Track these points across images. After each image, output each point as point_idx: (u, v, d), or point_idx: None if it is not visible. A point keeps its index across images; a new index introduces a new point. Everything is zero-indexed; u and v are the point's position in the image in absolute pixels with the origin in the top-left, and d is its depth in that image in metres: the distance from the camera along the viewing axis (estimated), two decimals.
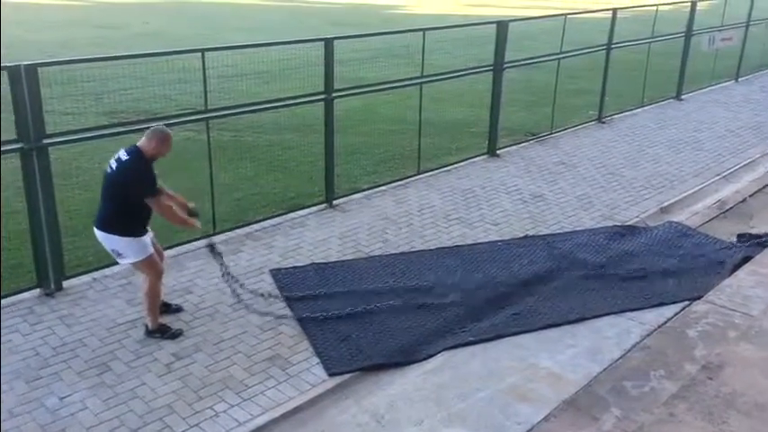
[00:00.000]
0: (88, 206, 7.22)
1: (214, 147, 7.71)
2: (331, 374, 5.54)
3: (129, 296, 6.46)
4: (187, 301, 6.45)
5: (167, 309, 6.21)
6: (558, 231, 8.20)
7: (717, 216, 9.02)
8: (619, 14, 12.74)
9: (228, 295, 6.56)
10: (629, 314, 6.51)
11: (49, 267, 6.48)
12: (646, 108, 14.20)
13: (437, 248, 7.65)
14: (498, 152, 10.95)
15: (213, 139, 7.70)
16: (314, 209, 8.61)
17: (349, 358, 5.73)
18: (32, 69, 5.98)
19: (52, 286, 6.52)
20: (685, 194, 9.53)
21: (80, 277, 6.76)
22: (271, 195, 9.08)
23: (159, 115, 9.06)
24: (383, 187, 9.39)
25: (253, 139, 11.29)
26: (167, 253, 6.97)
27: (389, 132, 11.83)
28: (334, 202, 8.76)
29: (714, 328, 6.06)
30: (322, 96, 8.32)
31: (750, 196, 9.70)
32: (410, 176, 9.76)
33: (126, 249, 5.65)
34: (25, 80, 5.95)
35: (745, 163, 10.93)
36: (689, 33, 14.81)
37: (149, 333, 5.89)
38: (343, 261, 7.31)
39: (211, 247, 6.30)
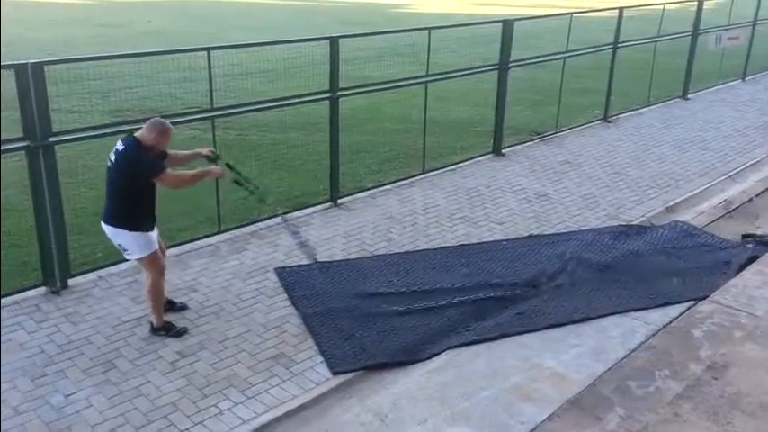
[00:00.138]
0: (94, 204, 7.24)
1: (219, 145, 7.70)
2: (335, 373, 5.54)
3: (135, 294, 6.48)
4: (192, 300, 6.47)
5: (172, 307, 6.23)
6: (563, 231, 8.19)
7: (723, 216, 9.00)
8: (625, 13, 12.70)
9: (233, 294, 6.59)
10: (633, 314, 6.49)
11: (55, 265, 6.50)
12: (652, 107, 14.16)
13: (441, 248, 7.65)
14: (503, 151, 10.94)
15: (218, 137, 7.72)
16: (319, 207, 8.61)
17: (353, 357, 5.73)
18: (39, 67, 6.00)
19: (58, 284, 6.54)
20: (691, 194, 9.51)
21: (86, 275, 6.78)
22: (276, 194, 9.08)
23: (165, 114, 9.07)
24: (388, 186, 9.39)
25: (258, 138, 11.31)
26: (171, 251, 7.00)
27: (394, 131, 11.83)
28: (339, 200, 8.77)
29: (719, 328, 6.05)
30: (327, 95, 8.32)
31: (756, 196, 9.67)
32: (415, 175, 9.76)
33: (132, 245, 5.66)
34: (32, 78, 5.97)
35: (751, 163, 10.89)
36: (695, 32, 14.76)
37: (154, 331, 5.91)
38: (347, 260, 7.31)
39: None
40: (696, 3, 14.73)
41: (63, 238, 6.52)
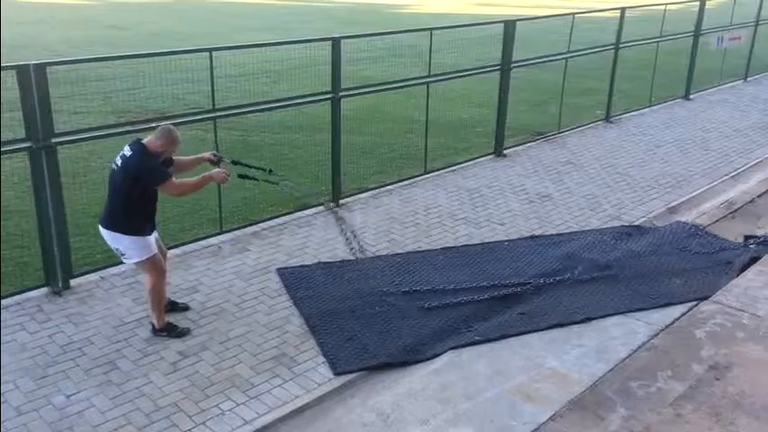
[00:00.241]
0: (96, 205, 7.25)
1: (221, 146, 7.73)
2: (337, 373, 5.54)
3: (137, 295, 6.49)
4: (194, 300, 6.47)
5: (174, 307, 6.24)
6: (565, 231, 8.18)
7: (725, 216, 8.99)
8: (627, 14, 12.69)
9: (235, 294, 6.59)
10: (636, 314, 6.49)
11: (57, 266, 6.51)
12: (654, 108, 14.15)
13: (443, 248, 7.65)
14: (505, 152, 10.93)
15: (220, 138, 7.72)
16: (321, 208, 8.61)
17: (355, 357, 5.74)
18: (41, 68, 6.01)
19: (60, 285, 6.55)
20: (693, 194, 9.50)
21: (87, 276, 6.79)
22: (277, 194, 9.08)
23: (167, 114, 9.08)
24: (390, 187, 9.39)
25: (260, 139, 11.31)
26: (173, 252, 7.00)
27: (396, 132, 11.82)
28: (341, 201, 8.77)
29: (722, 329, 6.04)
30: (329, 96, 8.33)
31: (758, 196, 9.66)
32: (416, 176, 9.76)
33: (129, 249, 5.67)
34: (34, 79, 5.97)
35: (753, 163, 10.88)
36: (697, 32, 14.75)
37: (156, 332, 5.91)
38: (349, 260, 7.32)
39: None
40: (698, 3, 14.72)
41: (65, 238, 6.53)
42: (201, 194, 7.79)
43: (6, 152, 6.09)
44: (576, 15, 12.05)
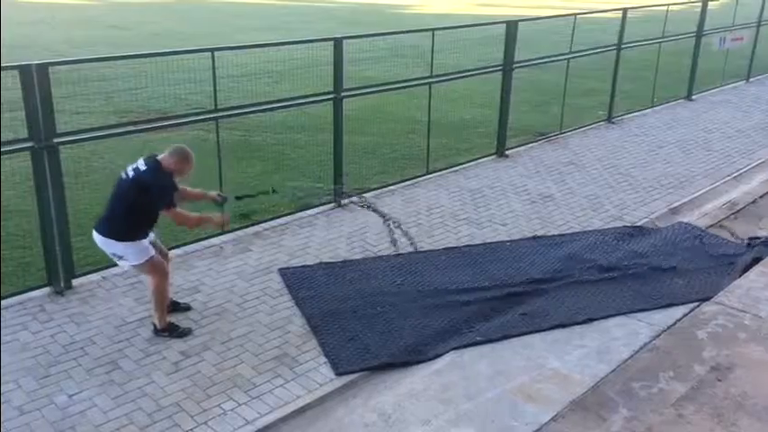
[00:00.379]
0: (98, 205, 7.25)
1: (223, 146, 7.73)
2: (339, 374, 5.55)
3: (138, 294, 6.49)
4: (195, 300, 6.48)
5: (176, 307, 6.24)
6: (567, 232, 8.18)
7: (727, 217, 8.98)
8: (629, 14, 12.69)
9: (236, 294, 6.59)
10: (637, 315, 6.48)
11: (59, 266, 6.52)
12: (656, 108, 14.14)
13: (445, 248, 7.65)
14: (507, 152, 10.93)
15: (222, 138, 7.72)
16: (323, 208, 8.62)
17: (357, 357, 5.74)
18: (43, 68, 6.02)
19: (62, 284, 6.55)
20: (695, 195, 9.49)
21: (89, 276, 6.80)
22: (280, 194, 9.08)
23: (169, 114, 9.09)
24: (392, 187, 9.39)
25: (262, 139, 11.32)
26: (175, 252, 7.00)
27: (398, 132, 11.83)
28: (343, 201, 8.76)
29: (724, 330, 6.03)
30: (331, 96, 8.33)
31: (760, 197, 9.65)
32: (419, 176, 9.76)
33: (125, 253, 5.68)
34: (36, 79, 5.98)
35: (755, 164, 10.87)
36: (700, 33, 14.74)
37: (158, 332, 5.91)
38: (351, 260, 7.32)
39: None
40: (700, 3, 14.71)
41: (67, 238, 6.53)
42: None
43: (8, 152, 6.10)
44: (578, 16, 12.05)
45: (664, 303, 6.66)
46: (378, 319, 6.26)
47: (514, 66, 10.55)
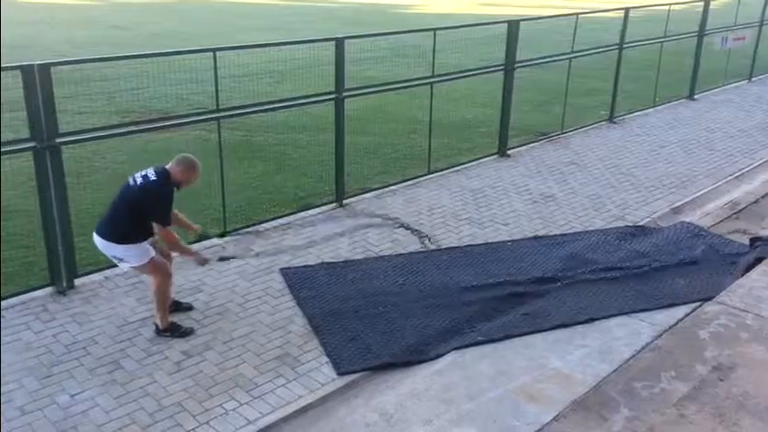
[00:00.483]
0: (100, 205, 7.26)
1: (225, 146, 7.74)
2: (340, 373, 5.55)
3: (141, 294, 6.50)
4: (197, 300, 6.48)
5: (178, 307, 6.25)
6: (569, 231, 8.18)
7: (729, 217, 8.98)
8: (631, 14, 12.67)
9: (238, 294, 6.59)
10: (639, 315, 6.48)
11: (62, 265, 6.53)
12: (658, 108, 14.13)
13: (447, 248, 7.65)
14: (509, 152, 10.93)
15: (224, 138, 7.73)
16: (324, 208, 8.62)
17: (358, 357, 5.74)
18: (45, 68, 6.03)
19: (64, 284, 6.56)
20: (697, 195, 9.49)
21: (92, 276, 6.81)
22: (281, 195, 9.11)
23: (171, 114, 9.10)
24: (393, 187, 9.39)
25: (264, 139, 11.33)
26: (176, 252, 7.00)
27: (400, 132, 11.83)
28: (344, 201, 8.77)
29: (726, 330, 6.03)
30: (333, 96, 8.33)
31: (762, 197, 9.64)
32: (420, 176, 9.76)
33: (126, 255, 5.69)
34: (38, 79, 5.99)
35: (757, 163, 10.86)
36: (701, 33, 14.72)
37: (160, 332, 5.92)
38: (352, 260, 7.32)
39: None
40: (702, 3, 14.70)
41: (69, 238, 6.54)
42: (204, 194, 7.83)
43: (11, 152, 6.12)
44: (580, 15, 12.04)
45: (665, 303, 6.66)
46: (379, 319, 6.26)
47: (516, 65, 10.55)
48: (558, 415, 5.07)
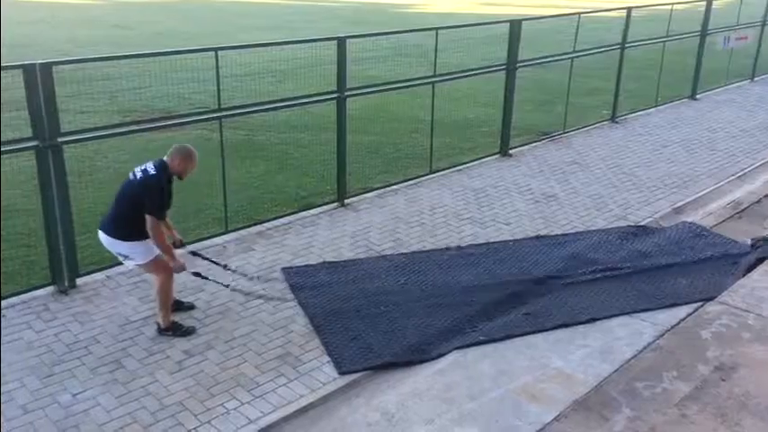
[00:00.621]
0: (102, 204, 7.27)
1: (227, 145, 7.74)
2: (342, 373, 5.55)
3: (142, 294, 6.50)
4: (199, 299, 6.48)
5: (180, 306, 6.25)
6: (571, 231, 8.17)
7: (731, 216, 8.97)
8: (633, 13, 12.66)
9: (239, 294, 6.59)
10: (641, 315, 6.48)
11: (63, 265, 6.53)
12: (660, 107, 14.12)
13: (448, 248, 7.64)
14: (511, 152, 10.92)
15: (226, 137, 7.73)
16: (326, 208, 8.62)
17: (360, 357, 5.74)
18: (47, 68, 6.03)
19: (66, 283, 6.57)
20: (699, 195, 9.48)
21: (93, 275, 6.81)
22: (283, 194, 9.11)
23: (173, 114, 9.10)
24: (395, 186, 9.39)
25: (265, 138, 11.33)
26: (178, 251, 6.99)
27: (401, 131, 11.82)
28: (346, 201, 8.77)
29: (727, 330, 6.03)
30: (335, 95, 8.33)
31: (765, 197, 9.63)
32: (422, 176, 9.75)
33: (131, 252, 5.69)
34: (40, 78, 5.99)
35: (759, 163, 10.85)
36: (704, 32, 14.71)
37: (161, 331, 5.92)
38: (354, 260, 7.32)
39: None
40: (704, 3, 14.68)
41: (71, 237, 6.55)
42: (206, 194, 7.84)
43: (13, 151, 6.13)
44: (582, 15, 12.03)
45: (667, 303, 6.66)
46: (381, 319, 6.26)
47: (518, 65, 10.55)
48: (559, 415, 5.07)
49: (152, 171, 5.58)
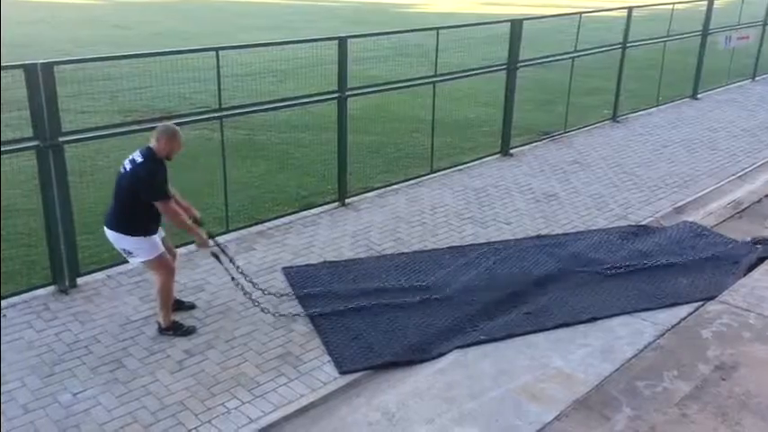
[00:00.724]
0: (102, 204, 7.27)
1: (228, 145, 7.74)
2: (342, 372, 5.55)
3: (143, 293, 6.51)
4: (200, 299, 6.49)
5: (180, 306, 6.25)
6: (572, 231, 8.17)
7: (732, 216, 8.97)
8: (634, 13, 12.66)
9: (241, 293, 6.59)
10: (642, 314, 6.47)
11: (64, 264, 6.53)
12: (661, 107, 14.11)
13: (449, 247, 7.64)
14: (511, 151, 10.92)
15: (227, 137, 7.73)
16: (326, 207, 8.62)
17: (360, 356, 5.74)
18: (48, 68, 6.03)
19: (67, 283, 6.57)
20: (700, 194, 9.47)
21: (94, 274, 6.81)
22: (284, 194, 9.11)
23: (174, 114, 9.10)
24: (396, 186, 9.39)
25: (266, 138, 11.33)
26: (180, 251, 7.01)
27: (402, 131, 11.82)
28: (347, 200, 8.77)
29: (728, 329, 6.03)
30: (335, 95, 8.33)
31: (766, 196, 9.62)
32: (423, 175, 9.75)
33: (136, 248, 5.69)
34: (41, 78, 6.00)
35: (760, 163, 10.84)
36: (705, 32, 14.70)
37: (162, 330, 5.92)
38: (355, 259, 7.32)
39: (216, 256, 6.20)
40: (706, 2, 14.67)
41: (72, 237, 6.55)
42: (206, 193, 7.84)
43: (14, 150, 6.13)
44: (583, 15, 12.02)
45: (668, 302, 6.65)
46: (381, 318, 6.26)
47: (519, 65, 10.55)
48: (560, 414, 5.07)
49: (139, 159, 5.56)
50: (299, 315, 6.29)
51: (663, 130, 12.55)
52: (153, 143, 5.60)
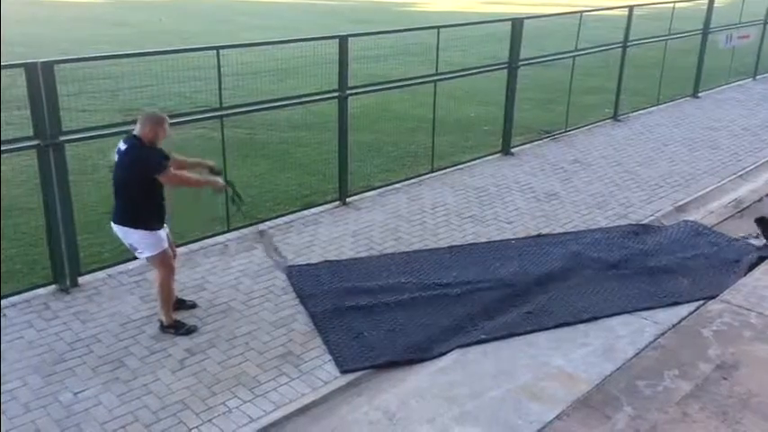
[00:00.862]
0: (103, 203, 7.28)
1: (228, 144, 7.73)
2: (343, 371, 5.55)
3: (144, 292, 6.51)
4: (201, 298, 6.49)
5: (182, 305, 6.25)
6: (572, 230, 8.16)
7: (733, 215, 8.96)
8: (635, 12, 12.65)
9: (241, 292, 6.60)
10: (642, 313, 6.47)
11: (65, 264, 6.53)
12: (662, 106, 14.10)
13: (450, 246, 7.64)
14: (512, 150, 10.92)
15: (227, 136, 7.73)
16: (327, 206, 8.62)
17: (361, 355, 5.74)
18: (49, 66, 6.03)
19: (67, 282, 6.57)
20: (701, 193, 9.47)
21: (95, 273, 6.81)
22: (284, 193, 9.11)
23: (174, 113, 9.08)
24: (396, 185, 9.39)
25: (267, 137, 11.33)
26: (181, 250, 7.02)
27: (403, 130, 11.81)
28: (348, 199, 8.77)
29: (729, 328, 6.02)
30: (336, 94, 8.32)
31: (766, 195, 9.62)
32: (423, 174, 9.75)
33: (141, 243, 5.70)
34: (42, 77, 6.00)
35: (761, 162, 10.83)
36: (706, 31, 14.68)
37: (163, 329, 5.93)
38: (356, 258, 7.32)
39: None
40: (707, 1, 14.65)
41: (72, 236, 6.55)
42: (207, 193, 7.81)
43: (15, 149, 6.13)
44: (584, 13, 12.01)
45: (669, 302, 6.65)
46: (382, 318, 6.26)
47: (520, 63, 10.54)
48: (561, 413, 5.07)
49: (123, 147, 5.57)
50: (299, 314, 6.28)
51: (664, 128, 12.54)
52: (138, 129, 5.60)
